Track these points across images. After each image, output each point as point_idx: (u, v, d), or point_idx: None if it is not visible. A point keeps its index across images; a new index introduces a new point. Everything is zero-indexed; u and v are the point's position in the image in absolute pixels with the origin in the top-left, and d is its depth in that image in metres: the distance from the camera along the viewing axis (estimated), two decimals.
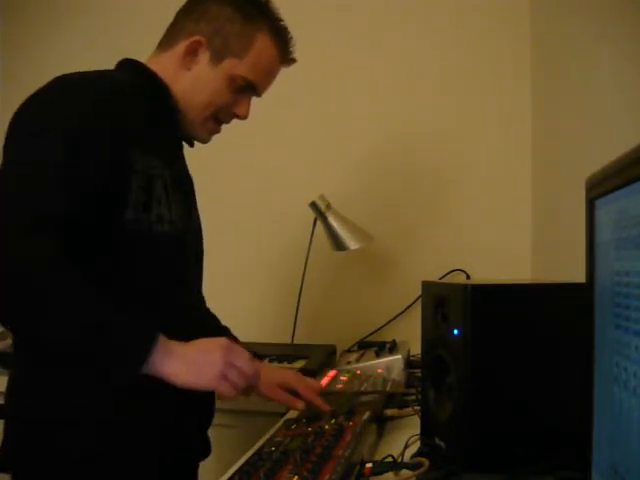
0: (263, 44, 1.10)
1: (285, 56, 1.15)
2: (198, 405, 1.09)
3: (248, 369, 0.93)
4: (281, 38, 1.13)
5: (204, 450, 1.17)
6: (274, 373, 1.23)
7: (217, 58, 1.09)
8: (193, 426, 1.11)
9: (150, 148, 1.01)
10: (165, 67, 1.10)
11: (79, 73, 0.99)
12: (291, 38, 1.15)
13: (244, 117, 1.16)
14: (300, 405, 1.17)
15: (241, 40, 1.09)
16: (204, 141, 1.18)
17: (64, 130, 0.91)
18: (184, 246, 1.10)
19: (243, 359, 0.93)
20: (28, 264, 0.83)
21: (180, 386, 0.89)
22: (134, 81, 1.06)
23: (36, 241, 0.84)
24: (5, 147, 0.92)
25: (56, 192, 0.87)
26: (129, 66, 1.11)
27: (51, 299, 0.84)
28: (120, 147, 0.96)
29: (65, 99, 0.95)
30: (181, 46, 1.09)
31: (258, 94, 1.17)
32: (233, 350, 0.93)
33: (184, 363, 0.89)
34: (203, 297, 1.26)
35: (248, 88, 1.13)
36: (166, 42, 1.13)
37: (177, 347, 0.90)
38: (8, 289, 0.83)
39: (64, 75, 0.98)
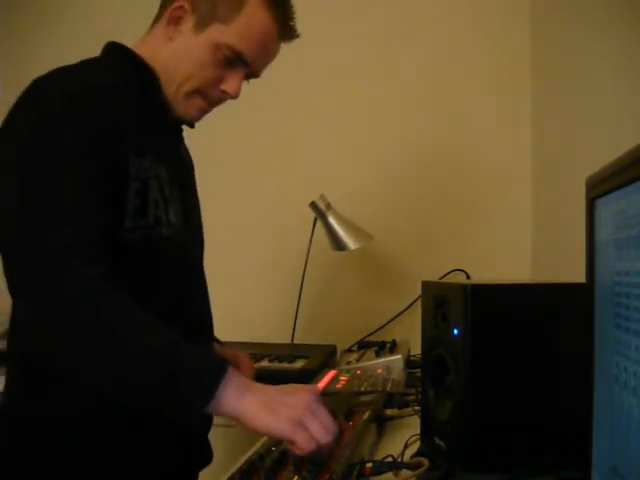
0: (254, 9, 0.97)
1: (283, 28, 1.01)
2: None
3: (331, 425, 0.82)
4: (277, 5, 0.99)
5: (205, 457, 1.10)
6: None
7: (201, 24, 0.97)
8: (190, 434, 1.02)
9: (143, 145, 0.94)
10: (149, 44, 1.01)
11: (59, 74, 0.89)
12: (291, 7, 1.02)
13: (233, 95, 1.01)
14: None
15: (229, 3, 0.96)
16: (191, 119, 1.05)
17: (63, 155, 0.83)
18: (184, 250, 1.03)
19: (326, 413, 0.83)
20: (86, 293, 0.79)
21: (253, 429, 0.79)
22: (122, 70, 0.98)
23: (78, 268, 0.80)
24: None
25: (75, 218, 0.83)
26: (113, 51, 1.01)
27: (119, 330, 0.80)
28: (118, 153, 0.89)
29: (52, 116, 0.85)
30: (166, 16, 0.99)
31: (253, 71, 1.03)
32: (318, 401, 0.84)
33: (257, 400, 0.80)
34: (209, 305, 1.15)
35: (237, 61, 0.99)
36: (155, 18, 1.03)
37: (253, 383, 0.83)
38: (65, 325, 0.79)
39: (43, 80, 0.88)
